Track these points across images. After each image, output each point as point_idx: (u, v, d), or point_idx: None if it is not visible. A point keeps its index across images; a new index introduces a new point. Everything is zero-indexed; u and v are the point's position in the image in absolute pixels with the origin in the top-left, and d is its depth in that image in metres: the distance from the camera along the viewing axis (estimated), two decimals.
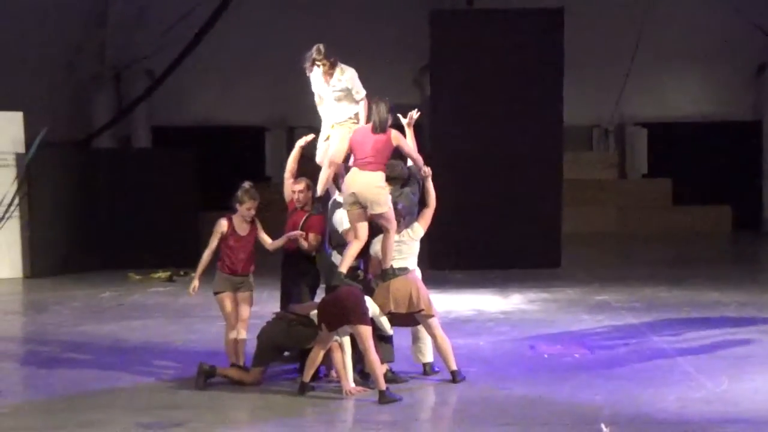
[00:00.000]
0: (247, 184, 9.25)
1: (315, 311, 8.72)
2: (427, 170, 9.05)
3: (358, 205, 8.83)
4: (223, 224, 9.23)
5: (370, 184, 8.82)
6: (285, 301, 9.33)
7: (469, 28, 16.63)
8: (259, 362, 8.91)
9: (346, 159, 9.25)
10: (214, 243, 9.18)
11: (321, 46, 9.41)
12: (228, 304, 9.23)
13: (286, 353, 9.14)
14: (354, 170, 8.99)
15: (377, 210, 8.81)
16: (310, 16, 21.02)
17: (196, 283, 9.26)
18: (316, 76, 9.49)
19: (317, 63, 9.39)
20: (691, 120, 22.62)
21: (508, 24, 16.58)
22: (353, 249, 8.86)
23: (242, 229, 9.20)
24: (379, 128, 8.94)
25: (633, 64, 21.59)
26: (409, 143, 9.11)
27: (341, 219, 9.15)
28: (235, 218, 9.25)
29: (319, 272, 9.39)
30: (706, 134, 22.52)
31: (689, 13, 22.14)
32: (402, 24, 20.85)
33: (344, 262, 8.80)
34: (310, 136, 9.53)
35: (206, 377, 8.82)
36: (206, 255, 9.15)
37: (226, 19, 18.76)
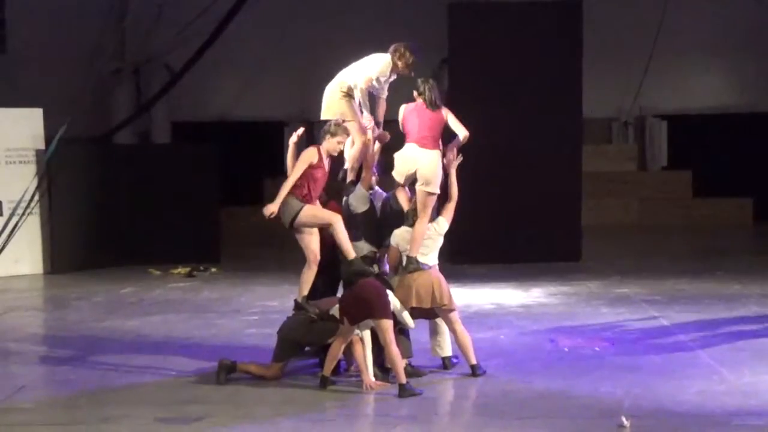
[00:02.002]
0: (339, 119, 9.09)
1: (335, 306, 8.74)
2: (456, 159, 9.10)
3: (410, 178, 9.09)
4: (314, 153, 8.91)
5: (432, 164, 9.09)
6: (309, 293, 9.32)
7: (487, 20, 16.58)
8: (280, 358, 8.93)
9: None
10: (299, 171, 8.83)
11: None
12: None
13: (307, 348, 9.16)
14: (413, 146, 9.15)
15: (430, 189, 9.05)
16: (328, 9, 21.00)
17: (274, 208, 8.85)
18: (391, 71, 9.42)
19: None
20: (712, 112, 22.50)
21: (527, 16, 16.52)
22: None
23: (326, 162, 9.03)
24: (435, 105, 9.19)
25: (652, 55, 21.51)
26: None
27: (356, 200, 9.18)
28: (322, 150, 9.00)
29: (340, 263, 9.40)
30: (726, 126, 22.39)
31: (709, 4, 22.03)
32: (420, 17, 20.83)
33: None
34: (301, 130, 9.49)
35: (227, 373, 8.85)
36: (290, 182, 8.83)
37: (244, 14, 18.76)
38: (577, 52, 16.30)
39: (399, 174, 9.22)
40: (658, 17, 21.00)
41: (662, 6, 20.91)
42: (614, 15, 21.28)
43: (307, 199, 8.88)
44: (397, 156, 9.23)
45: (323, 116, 9.42)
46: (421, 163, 9.09)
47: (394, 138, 9.44)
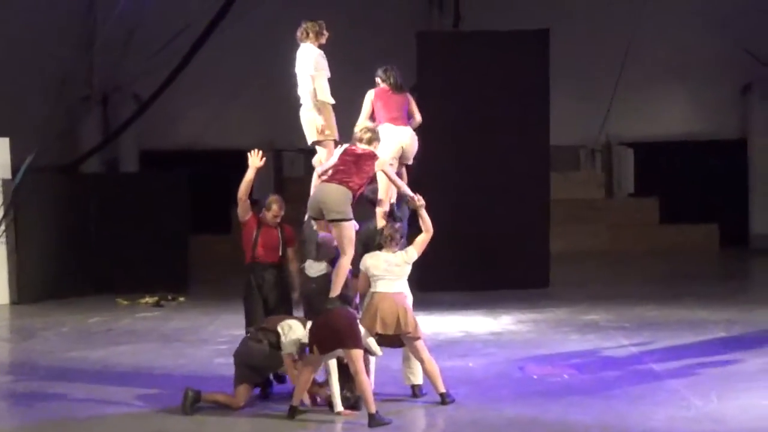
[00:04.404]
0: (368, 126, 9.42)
1: (295, 333, 8.71)
2: (421, 199, 9.14)
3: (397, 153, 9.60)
4: None
5: (412, 138, 9.78)
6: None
7: (455, 49, 16.66)
8: (239, 382, 8.92)
9: None
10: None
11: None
12: None
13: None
14: (388, 126, 9.65)
15: (410, 162, 9.83)
16: (295, 40, 21.00)
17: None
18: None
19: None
20: (677, 139, 22.67)
21: (495, 45, 16.60)
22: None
23: None
24: (401, 88, 9.86)
25: (619, 84, 21.67)
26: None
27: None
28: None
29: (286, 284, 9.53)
30: (692, 153, 22.56)
31: (675, 33, 22.22)
32: (388, 46, 20.89)
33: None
34: (260, 154, 9.52)
35: (193, 402, 8.79)
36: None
37: (212, 44, 18.77)
38: (544, 80, 16.39)
39: (387, 154, 9.42)
40: (624, 47, 21.18)
41: (628, 36, 21.11)
42: (581, 44, 21.43)
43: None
44: (393, 134, 9.59)
45: (311, 140, 9.59)
46: (402, 140, 9.64)
47: None
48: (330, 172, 9.01)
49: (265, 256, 9.49)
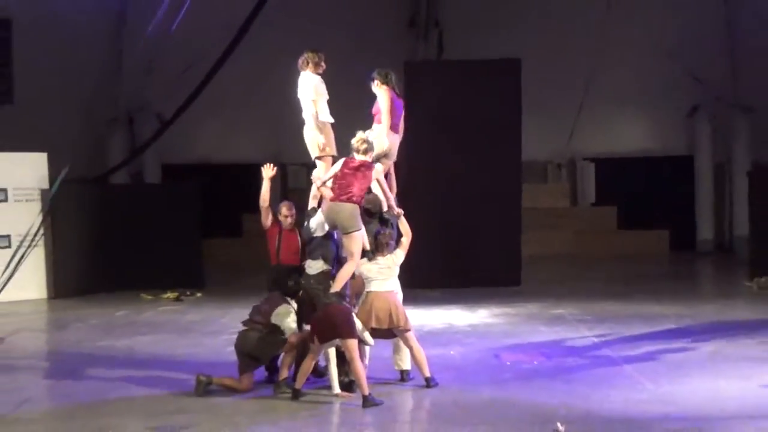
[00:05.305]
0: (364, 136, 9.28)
1: (287, 317, 8.69)
2: (400, 210, 9.17)
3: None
4: None
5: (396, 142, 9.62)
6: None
7: (438, 76, 16.69)
8: (243, 370, 8.94)
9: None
10: None
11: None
12: None
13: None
14: (393, 135, 9.49)
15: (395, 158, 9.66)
16: (294, 67, 21.01)
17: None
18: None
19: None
20: (634, 155, 22.77)
21: (473, 73, 16.63)
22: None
23: None
24: (400, 95, 9.67)
25: (582, 106, 21.77)
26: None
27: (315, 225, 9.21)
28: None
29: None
30: (646, 167, 22.69)
31: (631, 61, 22.31)
32: None
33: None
34: (272, 166, 9.54)
35: (205, 386, 8.80)
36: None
37: (226, 69, 18.78)
38: (517, 103, 16.39)
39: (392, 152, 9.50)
40: (587, 74, 21.31)
41: (590, 64, 21.22)
42: (549, 71, 21.49)
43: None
44: (392, 141, 9.48)
45: (313, 155, 9.52)
46: (395, 145, 9.54)
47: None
48: (334, 185, 9.01)
49: (287, 258, 9.42)
